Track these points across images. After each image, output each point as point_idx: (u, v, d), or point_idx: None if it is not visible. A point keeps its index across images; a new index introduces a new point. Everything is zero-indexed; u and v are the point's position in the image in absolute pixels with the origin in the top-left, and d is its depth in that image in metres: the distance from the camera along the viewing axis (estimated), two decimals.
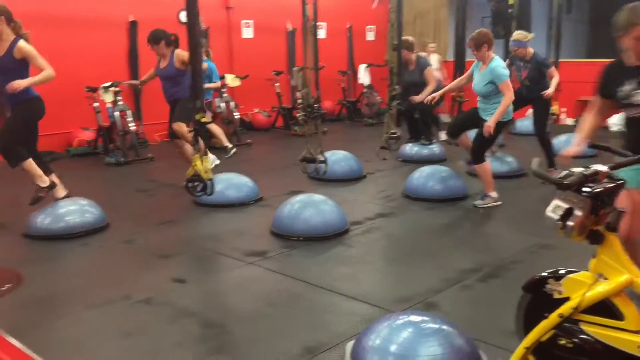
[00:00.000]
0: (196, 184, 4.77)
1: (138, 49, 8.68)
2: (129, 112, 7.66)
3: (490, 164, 5.34)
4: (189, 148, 5.50)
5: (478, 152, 5.19)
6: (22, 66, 4.68)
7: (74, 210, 4.63)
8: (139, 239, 4.50)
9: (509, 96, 4.91)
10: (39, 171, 4.84)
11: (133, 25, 8.67)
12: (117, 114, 7.57)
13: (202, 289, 3.69)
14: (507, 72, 5.04)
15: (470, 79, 5.33)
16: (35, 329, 3.02)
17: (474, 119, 5.23)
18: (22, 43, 4.64)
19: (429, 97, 5.86)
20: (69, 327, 3.08)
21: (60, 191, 5.01)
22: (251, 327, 3.07)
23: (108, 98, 7.60)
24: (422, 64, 7.39)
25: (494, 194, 5.23)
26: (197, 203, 5.28)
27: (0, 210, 5.54)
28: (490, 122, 4.91)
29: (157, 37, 5.87)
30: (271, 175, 6.72)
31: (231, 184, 5.44)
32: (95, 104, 7.69)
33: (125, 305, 3.34)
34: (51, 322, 3.12)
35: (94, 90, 7.59)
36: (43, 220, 4.48)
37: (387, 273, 4.01)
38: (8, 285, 3.57)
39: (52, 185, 4.90)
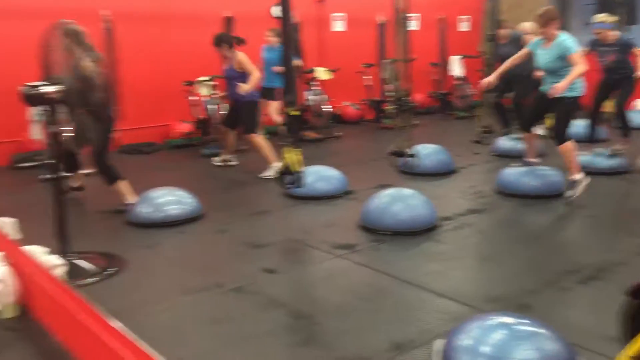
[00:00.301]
0: (287, 176, 4.85)
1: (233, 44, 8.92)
2: (224, 106, 7.91)
3: (594, 160, 5.08)
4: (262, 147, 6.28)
5: (559, 131, 4.98)
6: None
7: (172, 200, 4.84)
8: (232, 229, 4.65)
9: (581, 66, 4.72)
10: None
11: (228, 20, 8.92)
12: (212, 106, 7.85)
13: (292, 279, 3.75)
14: (576, 44, 4.84)
15: (524, 58, 5.17)
16: (135, 312, 3.19)
17: (544, 104, 5.04)
18: None
19: (485, 81, 5.57)
20: (166, 312, 3.23)
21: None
22: (339, 319, 3.09)
23: (204, 91, 7.89)
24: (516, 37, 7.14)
25: (579, 176, 4.96)
26: (288, 195, 5.37)
27: (107, 198, 5.90)
28: (558, 85, 4.68)
29: (219, 40, 6.31)
30: (360, 168, 6.71)
31: (321, 176, 5.49)
32: (193, 97, 8.02)
33: (218, 292, 3.46)
34: (150, 306, 3.29)
35: (191, 84, 7.91)
36: (145, 209, 4.72)
37: (478, 271, 3.90)
38: (114, 269, 3.79)
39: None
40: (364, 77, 9.96)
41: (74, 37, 3.20)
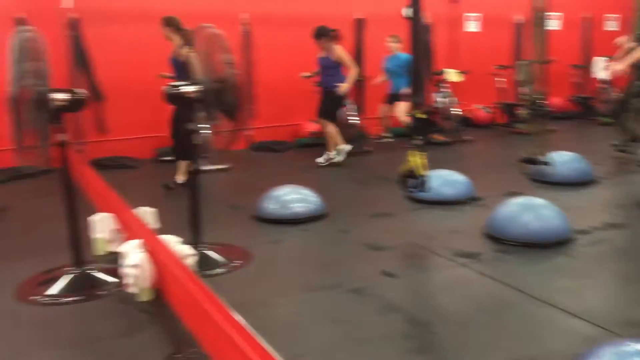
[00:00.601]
0: (410, 179, 4.78)
1: (363, 45, 8.98)
2: (352, 106, 7.99)
3: None
4: (332, 136, 7.09)
5: None
6: None
7: (299, 198, 4.97)
8: (353, 230, 4.67)
9: None
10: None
11: (359, 22, 8.99)
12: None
13: (411, 285, 3.70)
14: None
15: None
16: (256, 305, 3.31)
17: None
18: None
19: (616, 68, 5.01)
20: (285, 307, 3.32)
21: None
22: (458, 330, 2.99)
23: None
24: None
25: None
26: (412, 198, 5.30)
27: (237, 193, 6.21)
28: None
29: (319, 34, 7.01)
30: (489, 175, 6.46)
31: (446, 181, 5.36)
32: None
33: (337, 292, 3.49)
34: (271, 301, 3.40)
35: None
36: (272, 206, 4.89)
37: (615, 291, 3.59)
38: (239, 261, 3.97)
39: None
40: (496, 79, 9.59)
41: (211, 40, 3.38)
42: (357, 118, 8.01)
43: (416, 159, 4.71)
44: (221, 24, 3.99)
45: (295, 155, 8.00)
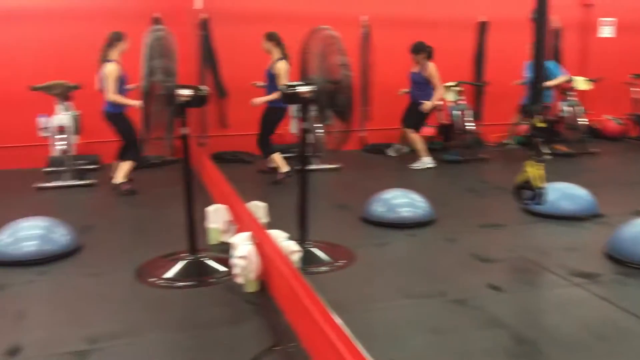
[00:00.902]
0: (526, 191, 4.56)
1: (485, 49, 8.71)
2: (468, 112, 7.78)
3: None
4: (418, 142, 7.41)
5: None
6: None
7: (407, 202, 4.92)
8: (461, 239, 4.55)
9: None
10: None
11: (483, 25, 8.73)
12: (457, 112, 7.77)
13: (519, 301, 3.53)
14: None
15: None
16: (356, 306, 3.32)
17: None
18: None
19: None
20: (385, 312, 3.30)
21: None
22: (566, 353, 2.82)
23: (450, 97, 7.84)
24: None
25: None
26: (526, 211, 5.06)
27: (345, 193, 6.26)
28: None
29: (419, 49, 7.32)
30: (615, 191, 6.03)
31: (566, 194, 5.06)
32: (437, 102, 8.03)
33: (440, 301, 3.42)
34: (371, 303, 3.39)
35: None
36: (379, 208, 4.88)
37: None
38: (343, 261, 4.00)
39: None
40: (631, 89, 8.90)
41: (327, 42, 3.44)
42: (474, 124, 7.78)
43: (534, 170, 4.49)
44: (341, 26, 4.06)
45: (408, 158, 7.92)
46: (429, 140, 8.35)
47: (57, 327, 3.10)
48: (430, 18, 8.47)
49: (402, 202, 4.93)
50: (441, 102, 7.99)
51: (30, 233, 4.17)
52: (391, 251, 4.37)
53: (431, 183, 6.71)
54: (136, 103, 6.00)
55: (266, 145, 6.65)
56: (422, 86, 7.39)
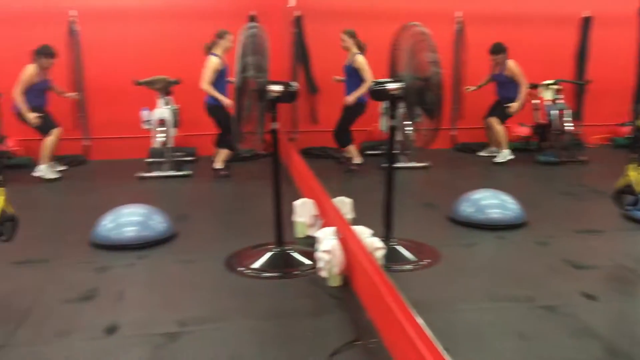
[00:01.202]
0: (628, 195, 4.31)
1: (588, 46, 8.28)
2: (567, 112, 7.43)
3: None
4: (499, 133, 7.46)
5: None
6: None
7: (496, 204, 4.78)
8: (554, 243, 4.36)
9: None
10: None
11: (586, 21, 8.30)
12: (555, 112, 7.44)
13: (614, 311, 3.35)
14: None
15: None
16: (439, 306, 3.27)
17: None
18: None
19: None
20: (469, 314, 3.23)
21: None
22: None
23: (548, 95, 7.53)
24: None
25: None
26: (627, 217, 4.78)
27: (433, 191, 6.19)
28: None
29: (499, 49, 7.45)
30: None
31: None
32: (535, 101, 7.73)
33: (528, 307, 3.30)
34: (454, 305, 3.33)
35: (535, 87, 7.63)
36: (467, 208, 4.77)
37: None
38: (428, 260, 3.96)
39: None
40: None
41: (417, 38, 3.41)
42: (572, 124, 7.42)
43: (636, 174, 4.23)
44: (434, 22, 4.02)
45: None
46: (523, 140, 8.07)
47: (152, 309, 3.29)
48: (528, 13, 8.16)
49: (491, 203, 4.80)
50: (537, 101, 7.70)
51: (131, 219, 4.44)
52: (478, 252, 4.27)
53: (524, 184, 6.48)
54: (225, 99, 6.27)
55: (343, 136, 6.82)
56: (507, 85, 7.46)
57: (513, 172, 7.00)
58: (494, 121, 7.53)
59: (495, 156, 7.55)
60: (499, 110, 7.52)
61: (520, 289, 3.53)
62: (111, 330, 3.01)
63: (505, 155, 7.39)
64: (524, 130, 8.14)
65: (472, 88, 7.81)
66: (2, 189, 3.24)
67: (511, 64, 7.39)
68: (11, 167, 7.13)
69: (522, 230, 4.65)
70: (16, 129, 7.03)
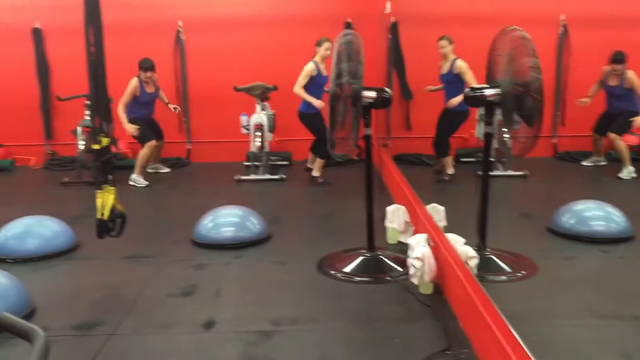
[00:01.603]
0: None
1: None
2: None
3: None
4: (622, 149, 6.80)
5: None
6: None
7: (600, 216, 4.52)
8: None
9: None
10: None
11: None
12: None
13: None
14: None
15: None
16: (534, 320, 3.14)
17: None
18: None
19: None
20: (568, 330, 3.09)
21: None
22: None
23: None
24: None
25: None
26: None
27: (531, 201, 5.96)
28: None
29: (621, 58, 6.84)
30: None
31: None
32: None
33: (634, 326, 3.11)
34: (551, 319, 3.19)
35: None
36: (568, 219, 4.54)
37: None
38: (524, 272, 3.82)
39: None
40: None
41: (517, 43, 3.31)
42: None
43: None
44: (535, 26, 3.90)
45: (605, 169, 7.28)
46: (635, 150, 7.59)
47: (246, 307, 3.41)
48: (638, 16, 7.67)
49: (595, 214, 4.55)
50: None
51: (228, 220, 4.63)
52: (579, 266, 4.07)
53: (632, 197, 6.10)
54: (315, 100, 6.36)
55: (443, 147, 6.63)
56: (626, 97, 6.95)
57: (619, 183, 6.60)
58: (616, 137, 6.94)
59: (598, 165, 7.14)
60: (619, 124, 6.93)
61: (625, 306, 3.33)
62: (209, 325, 3.16)
63: (630, 171, 6.74)
64: (633, 140, 7.65)
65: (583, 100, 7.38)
66: (112, 188, 3.49)
67: (631, 74, 6.88)
68: (121, 169, 7.61)
69: (628, 245, 4.38)
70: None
